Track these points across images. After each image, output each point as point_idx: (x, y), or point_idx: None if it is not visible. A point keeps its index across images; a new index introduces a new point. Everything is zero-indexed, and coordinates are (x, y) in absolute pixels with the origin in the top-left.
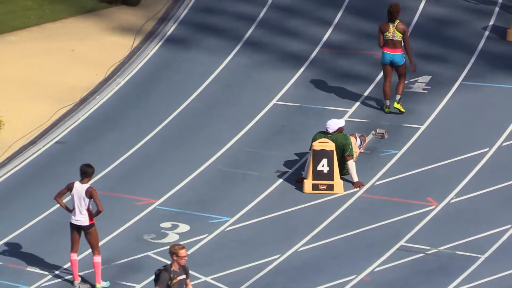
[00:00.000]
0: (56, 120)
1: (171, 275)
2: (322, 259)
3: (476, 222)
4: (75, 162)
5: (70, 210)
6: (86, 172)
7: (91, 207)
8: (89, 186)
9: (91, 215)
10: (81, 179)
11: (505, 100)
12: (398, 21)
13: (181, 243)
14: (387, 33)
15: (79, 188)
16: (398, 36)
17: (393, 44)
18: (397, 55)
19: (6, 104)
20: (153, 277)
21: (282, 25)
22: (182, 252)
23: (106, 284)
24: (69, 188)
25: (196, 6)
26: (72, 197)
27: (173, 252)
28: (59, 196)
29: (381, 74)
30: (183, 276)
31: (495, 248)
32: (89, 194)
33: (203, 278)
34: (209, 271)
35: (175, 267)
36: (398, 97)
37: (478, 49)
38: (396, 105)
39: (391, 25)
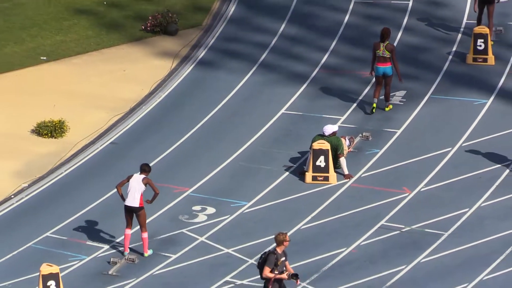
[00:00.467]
0: (111, 125)
1: (276, 257)
2: (319, 235)
3: (441, 206)
4: (126, 158)
5: (124, 198)
6: (144, 169)
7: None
8: (145, 176)
9: (143, 200)
10: (140, 173)
11: (465, 110)
12: (387, 42)
13: (207, 222)
14: (378, 51)
15: (137, 178)
16: (387, 54)
17: (383, 59)
18: (387, 68)
19: (72, 112)
20: (186, 249)
21: (289, 51)
22: (288, 239)
23: (151, 251)
24: (129, 178)
25: (221, 36)
26: (129, 184)
27: (281, 239)
28: (120, 185)
29: (367, 89)
30: (284, 258)
31: (456, 226)
32: (145, 181)
33: (226, 250)
34: (230, 244)
35: (279, 251)
36: (387, 103)
37: (443, 69)
38: (387, 109)
39: (381, 45)
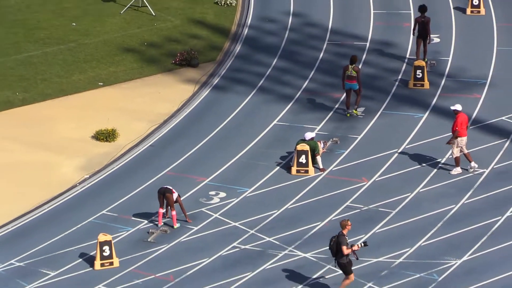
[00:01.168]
0: (150, 133)
1: (346, 237)
2: (302, 213)
3: (390, 192)
4: (160, 157)
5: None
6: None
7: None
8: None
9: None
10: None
11: (407, 122)
12: (354, 65)
13: (220, 203)
14: (347, 71)
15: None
16: (354, 73)
17: (351, 78)
18: (353, 84)
19: (121, 123)
20: (204, 223)
21: (280, 79)
22: (349, 223)
23: (179, 225)
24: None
25: (230, 68)
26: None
27: (345, 224)
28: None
29: (337, 105)
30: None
31: (401, 206)
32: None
33: (233, 223)
34: (237, 219)
35: (345, 232)
36: (355, 107)
37: (391, 92)
38: (355, 111)
39: (350, 67)
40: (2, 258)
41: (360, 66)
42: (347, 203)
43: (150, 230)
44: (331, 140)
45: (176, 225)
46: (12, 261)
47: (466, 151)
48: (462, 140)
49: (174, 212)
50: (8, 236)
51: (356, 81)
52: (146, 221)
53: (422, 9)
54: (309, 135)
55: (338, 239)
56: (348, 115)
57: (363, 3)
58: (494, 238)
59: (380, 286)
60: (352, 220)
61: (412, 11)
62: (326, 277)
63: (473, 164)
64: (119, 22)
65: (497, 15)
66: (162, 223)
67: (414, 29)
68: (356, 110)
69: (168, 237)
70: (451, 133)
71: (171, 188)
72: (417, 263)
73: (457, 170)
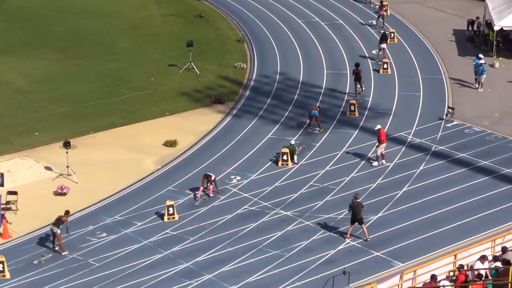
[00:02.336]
0: (195, 142)
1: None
2: (284, 189)
3: (336, 177)
4: (203, 157)
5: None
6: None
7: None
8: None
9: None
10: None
11: (346, 136)
12: (317, 106)
13: (236, 183)
14: (312, 107)
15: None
16: (317, 108)
17: (314, 108)
18: (316, 112)
19: (178, 137)
20: (228, 194)
21: (271, 110)
22: (358, 196)
23: (212, 195)
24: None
25: (243, 104)
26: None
27: (356, 196)
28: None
29: (304, 126)
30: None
31: (342, 184)
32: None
33: (244, 194)
34: (246, 192)
35: (356, 200)
36: (317, 128)
37: (336, 118)
38: (320, 130)
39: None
40: (111, 214)
41: (318, 104)
42: (310, 183)
43: (196, 198)
44: (302, 146)
45: (211, 195)
46: (116, 216)
47: (383, 152)
48: (383, 146)
49: (211, 187)
50: (114, 201)
51: (317, 109)
52: (192, 193)
53: (357, 64)
54: (291, 142)
55: (359, 203)
56: (309, 129)
57: (320, 66)
58: (395, 204)
59: (332, 231)
60: (312, 193)
61: (348, 71)
62: (298, 226)
63: (384, 161)
64: (178, 78)
65: (398, 74)
66: (202, 194)
67: (354, 78)
68: (321, 129)
69: (206, 203)
70: (374, 141)
71: (210, 173)
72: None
73: (377, 164)
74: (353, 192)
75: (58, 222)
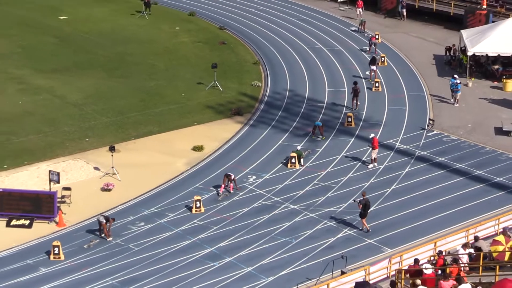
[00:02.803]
0: (219, 147)
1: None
2: (292, 186)
3: (335, 176)
4: (225, 158)
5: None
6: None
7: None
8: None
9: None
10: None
11: (344, 143)
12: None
13: (253, 181)
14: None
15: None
16: (320, 123)
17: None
18: (319, 122)
19: (205, 143)
20: (246, 190)
21: (282, 120)
22: (365, 193)
23: (233, 191)
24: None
25: (258, 116)
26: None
27: (364, 194)
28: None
29: (309, 135)
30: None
31: (340, 183)
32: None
33: (259, 191)
34: (261, 189)
35: (364, 196)
36: (320, 136)
37: (336, 128)
38: (322, 138)
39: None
40: (148, 207)
41: (320, 116)
42: (314, 182)
43: (219, 193)
44: (308, 151)
45: (232, 191)
46: (152, 209)
47: (376, 156)
48: (376, 151)
49: (231, 184)
50: (150, 196)
51: (320, 122)
52: (216, 190)
53: (355, 82)
54: (297, 148)
55: (366, 201)
56: (313, 137)
57: (322, 84)
58: (385, 199)
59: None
60: (316, 190)
61: (346, 89)
62: (304, 217)
63: (376, 164)
64: (205, 94)
65: (388, 91)
66: (224, 190)
67: (352, 93)
68: (323, 137)
69: (227, 198)
70: (367, 148)
71: (230, 173)
72: (348, 212)
73: (371, 167)
74: (349, 189)
75: (105, 217)
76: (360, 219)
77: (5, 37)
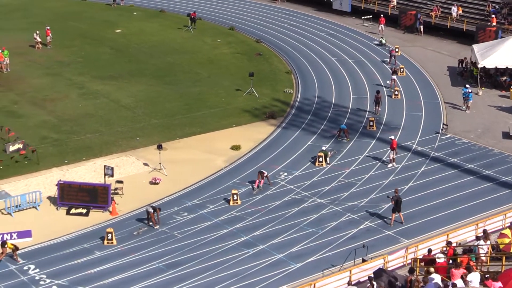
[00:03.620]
0: (254, 147)
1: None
2: (319, 182)
3: (358, 174)
4: (259, 157)
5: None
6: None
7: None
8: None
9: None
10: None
11: (366, 144)
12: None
13: (284, 177)
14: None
15: (262, 170)
16: (344, 127)
17: (343, 127)
18: (344, 125)
19: (241, 143)
20: (278, 186)
21: (311, 124)
22: (398, 190)
23: (271, 187)
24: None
25: (289, 119)
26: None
27: (396, 190)
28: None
29: (335, 137)
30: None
31: (363, 180)
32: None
33: (289, 186)
34: (291, 184)
35: (396, 193)
36: (345, 138)
37: (359, 131)
38: (347, 140)
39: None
40: (191, 199)
41: (345, 120)
42: (339, 179)
43: (254, 188)
44: (333, 151)
45: (261, 188)
46: (194, 201)
47: (394, 157)
48: (394, 152)
49: (262, 181)
50: (193, 189)
51: (345, 125)
52: (251, 185)
53: (377, 91)
54: (324, 148)
55: (398, 198)
56: (338, 139)
57: (347, 92)
58: (403, 195)
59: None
60: (340, 186)
61: (368, 96)
62: (330, 210)
63: (395, 163)
64: (243, 99)
65: (406, 98)
66: (258, 186)
67: (374, 101)
68: (347, 139)
69: (261, 192)
70: (387, 149)
71: (263, 170)
72: (369, 206)
73: (390, 166)
74: (371, 186)
75: (153, 207)
76: (392, 213)
77: (68, 48)
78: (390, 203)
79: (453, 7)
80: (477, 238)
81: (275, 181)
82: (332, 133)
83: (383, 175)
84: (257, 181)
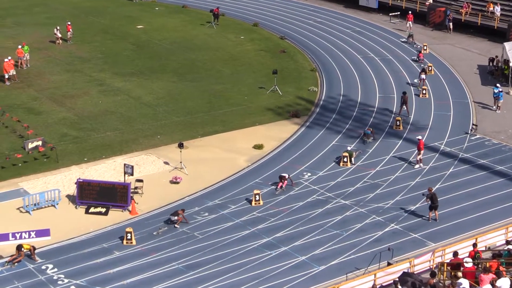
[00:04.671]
0: (277, 146)
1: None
2: (344, 183)
3: (384, 175)
4: (282, 157)
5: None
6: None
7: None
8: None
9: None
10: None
11: (392, 144)
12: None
13: (308, 177)
14: (367, 129)
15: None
16: (371, 129)
17: (368, 128)
18: (368, 131)
19: (264, 141)
20: (302, 186)
21: (335, 122)
22: (431, 188)
23: (285, 189)
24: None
25: (314, 118)
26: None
27: (430, 189)
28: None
29: (360, 137)
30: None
31: (389, 181)
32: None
33: (313, 187)
34: (315, 185)
35: (430, 191)
36: (371, 138)
37: (385, 131)
38: (368, 140)
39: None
40: (212, 199)
41: (371, 120)
42: (364, 179)
43: (277, 189)
44: (358, 151)
45: (294, 187)
46: (215, 200)
47: (421, 158)
48: (421, 152)
49: (286, 181)
50: (214, 189)
51: (370, 129)
52: (275, 186)
53: (404, 92)
54: (349, 148)
55: (434, 193)
56: (364, 139)
57: (373, 90)
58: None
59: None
60: (366, 187)
61: (395, 95)
62: (354, 212)
63: (422, 164)
64: (266, 97)
65: (434, 97)
66: (281, 187)
67: (401, 102)
68: (368, 140)
69: (284, 193)
70: (414, 149)
71: (283, 174)
72: (395, 208)
73: (417, 167)
74: (397, 187)
75: (175, 213)
76: (429, 211)
77: (89, 43)
78: (426, 202)
79: (496, 7)
80: (507, 243)
81: (298, 181)
82: (356, 132)
83: (409, 176)
84: (280, 183)
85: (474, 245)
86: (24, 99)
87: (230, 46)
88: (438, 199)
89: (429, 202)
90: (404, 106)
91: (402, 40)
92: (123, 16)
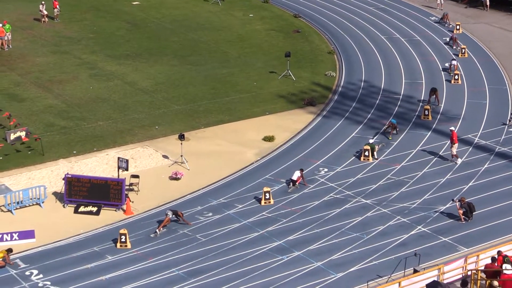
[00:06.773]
0: (291, 138)
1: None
2: (365, 180)
3: (410, 171)
4: (296, 150)
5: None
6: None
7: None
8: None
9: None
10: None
11: (420, 136)
12: (393, 121)
13: (324, 174)
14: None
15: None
16: (394, 120)
17: (392, 122)
18: (394, 119)
19: (276, 133)
20: (317, 183)
21: (355, 112)
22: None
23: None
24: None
25: (331, 107)
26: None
27: (463, 200)
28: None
29: (383, 128)
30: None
31: (415, 178)
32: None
33: (330, 184)
34: (332, 182)
35: (463, 202)
36: (397, 129)
37: (412, 121)
38: (389, 138)
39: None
40: (216, 197)
41: (395, 109)
42: (388, 176)
43: (289, 186)
44: (381, 144)
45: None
46: (220, 199)
47: (455, 152)
48: (456, 145)
49: (301, 179)
50: (219, 186)
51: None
52: (287, 182)
53: (435, 88)
54: (370, 141)
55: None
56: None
57: (399, 76)
58: (463, 194)
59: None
60: (389, 185)
61: (423, 81)
62: (376, 213)
63: (459, 159)
64: (277, 83)
65: (468, 84)
66: (294, 184)
67: (430, 95)
68: (389, 136)
69: (297, 191)
70: (445, 142)
71: (297, 174)
72: (423, 208)
73: (458, 161)
74: (424, 185)
75: (175, 212)
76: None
77: (78, 22)
78: (454, 203)
79: None
80: None
81: (314, 178)
82: (379, 122)
83: (440, 172)
84: (294, 183)
85: (498, 252)
86: (5, 84)
87: (237, 25)
88: (471, 199)
89: (463, 212)
90: (434, 95)
91: (432, 18)
92: None
